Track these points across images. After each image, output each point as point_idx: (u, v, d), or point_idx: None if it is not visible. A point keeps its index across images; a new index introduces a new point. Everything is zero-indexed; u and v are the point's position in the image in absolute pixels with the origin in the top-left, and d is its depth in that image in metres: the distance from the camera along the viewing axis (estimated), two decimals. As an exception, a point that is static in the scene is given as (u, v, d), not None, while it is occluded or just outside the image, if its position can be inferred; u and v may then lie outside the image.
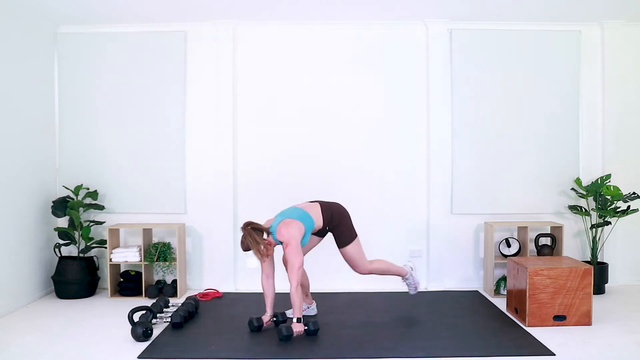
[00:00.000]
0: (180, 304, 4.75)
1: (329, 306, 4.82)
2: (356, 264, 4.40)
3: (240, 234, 5.55)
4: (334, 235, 4.41)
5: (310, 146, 5.60)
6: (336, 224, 4.35)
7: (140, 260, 5.30)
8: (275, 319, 4.29)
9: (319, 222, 4.30)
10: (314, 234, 4.40)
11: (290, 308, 4.60)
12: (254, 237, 4.07)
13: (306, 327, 4.07)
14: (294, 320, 4.04)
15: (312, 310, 4.64)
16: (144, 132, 5.60)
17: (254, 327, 4.18)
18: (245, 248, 4.12)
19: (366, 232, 5.44)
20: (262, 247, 4.07)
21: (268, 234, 4.17)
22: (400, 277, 4.70)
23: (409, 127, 5.63)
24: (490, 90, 5.60)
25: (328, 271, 5.27)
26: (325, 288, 5.33)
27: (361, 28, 5.59)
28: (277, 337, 4.03)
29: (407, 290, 4.78)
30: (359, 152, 5.63)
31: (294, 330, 4.00)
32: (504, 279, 5.28)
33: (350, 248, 4.34)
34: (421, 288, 5.58)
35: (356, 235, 4.40)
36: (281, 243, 4.15)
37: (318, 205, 4.37)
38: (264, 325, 4.23)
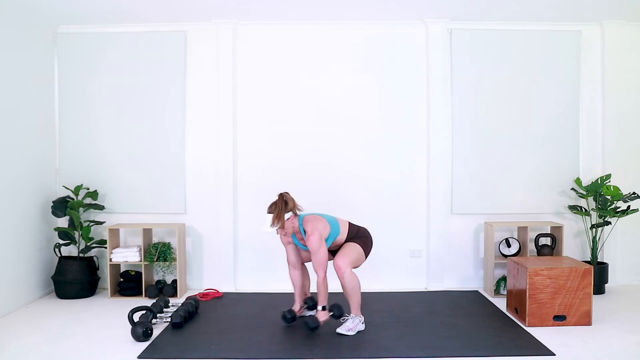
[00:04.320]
0: (180, 304, 4.75)
1: (329, 306, 4.82)
2: (343, 258, 4.17)
3: (239, 231, 5.61)
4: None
5: (309, 146, 5.60)
6: (357, 236, 4.40)
7: (140, 260, 5.30)
8: (306, 304, 4.40)
9: (341, 237, 4.34)
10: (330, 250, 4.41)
11: (281, 307, 4.64)
12: (282, 206, 4.14)
13: (331, 313, 4.18)
14: (319, 308, 4.15)
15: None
16: (144, 132, 5.60)
17: (289, 319, 4.28)
18: (270, 212, 4.16)
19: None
20: (283, 218, 4.12)
21: (295, 214, 4.21)
22: (351, 312, 4.26)
23: (409, 127, 5.63)
24: (490, 90, 5.60)
25: (327, 271, 5.25)
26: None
27: (361, 28, 5.59)
28: (277, 337, 4.03)
29: (342, 329, 4.21)
30: (359, 151, 5.62)
31: (320, 319, 4.12)
32: (504, 279, 5.28)
33: (352, 246, 4.27)
34: (421, 288, 5.60)
35: (365, 255, 4.33)
36: (303, 232, 4.20)
37: (347, 224, 4.40)
38: (297, 314, 4.38)
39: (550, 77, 5.61)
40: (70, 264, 5.22)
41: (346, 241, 4.37)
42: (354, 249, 4.29)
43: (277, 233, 4.22)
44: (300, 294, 4.49)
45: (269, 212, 4.17)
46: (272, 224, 4.13)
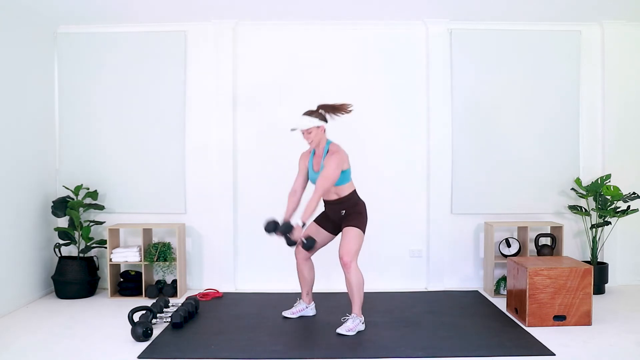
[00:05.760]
0: (180, 304, 4.75)
1: (329, 306, 4.82)
2: (348, 250, 4.18)
3: (239, 231, 5.61)
4: (346, 218, 4.30)
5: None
6: (354, 210, 4.32)
7: (140, 260, 5.30)
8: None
9: (346, 189, 4.30)
10: (325, 220, 4.41)
11: (289, 307, 4.65)
12: (319, 113, 4.27)
13: (305, 242, 4.12)
14: (300, 223, 4.03)
15: (311, 310, 4.65)
16: (144, 132, 5.60)
17: (271, 228, 4.12)
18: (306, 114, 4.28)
19: (366, 232, 5.46)
20: (318, 115, 4.25)
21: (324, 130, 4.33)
22: (352, 311, 4.27)
23: (409, 127, 5.63)
24: (490, 90, 5.60)
25: (328, 271, 5.26)
26: (325, 288, 5.33)
27: (361, 28, 5.59)
28: (277, 337, 4.03)
29: (342, 329, 4.20)
30: (359, 151, 5.61)
31: (295, 234, 4.00)
32: (504, 279, 5.28)
33: (354, 233, 4.23)
34: (421, 288, 5.60)
35: (364, 230, 4.32)
36: (325, 154, 4.26)
37: (354, 186, 4.42)
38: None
39: (550, 77, 5.61)
40: (70, 264, 5.22)
41: (345, 209, 4.29)
42: (356, 235, 4.22)
43: (304, 136, 4.27)
44: (292, 214, 4.30)
45: (305, 114, 4.25)
46: (308, 116, 4.22)
